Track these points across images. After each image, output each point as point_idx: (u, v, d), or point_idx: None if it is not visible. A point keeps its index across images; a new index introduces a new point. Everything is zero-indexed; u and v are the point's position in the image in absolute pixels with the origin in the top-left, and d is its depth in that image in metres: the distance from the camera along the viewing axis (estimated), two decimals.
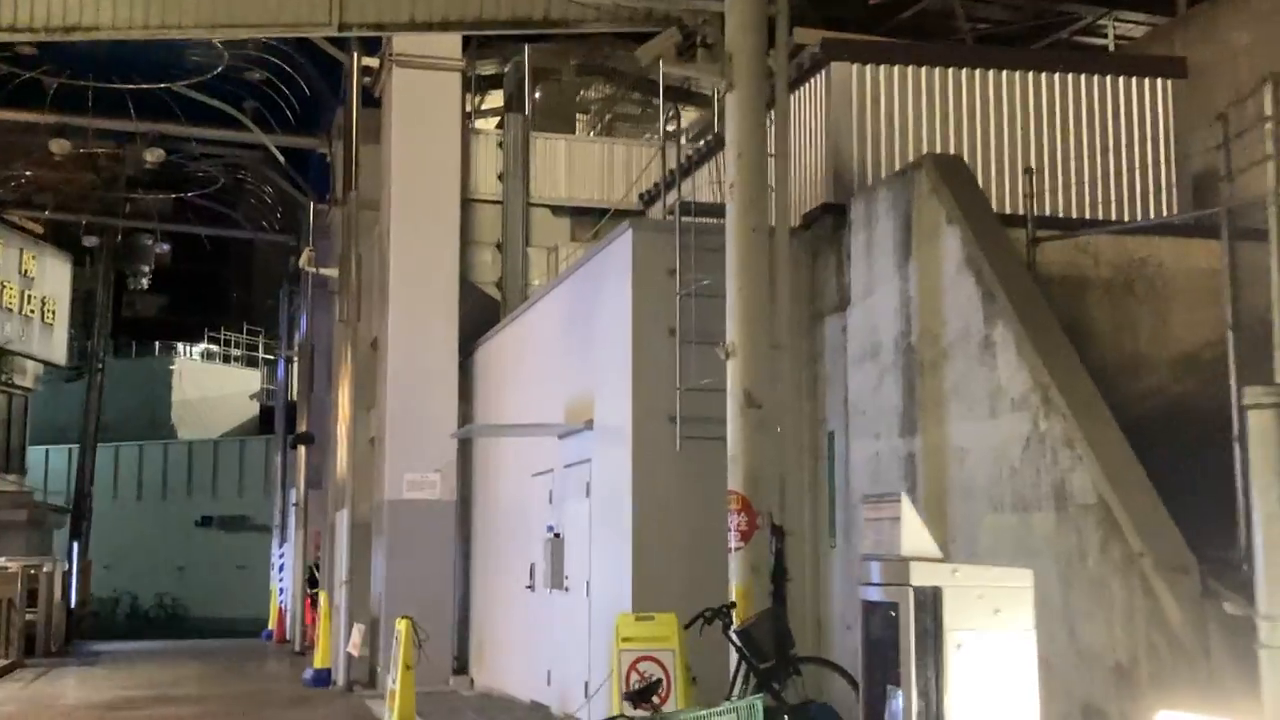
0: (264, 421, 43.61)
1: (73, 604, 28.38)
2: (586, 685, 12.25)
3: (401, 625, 11.37)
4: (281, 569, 31.05)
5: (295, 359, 31.04)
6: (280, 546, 31.98)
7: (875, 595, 5.07)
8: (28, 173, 27.67)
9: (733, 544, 9.56)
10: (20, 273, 31.90)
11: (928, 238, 9.70)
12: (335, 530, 18.99)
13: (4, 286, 31.07)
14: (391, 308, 17.78)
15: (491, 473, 17.03)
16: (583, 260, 13.13)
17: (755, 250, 9.83)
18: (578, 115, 23.79)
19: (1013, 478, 8.52)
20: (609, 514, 11.92)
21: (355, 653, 16.42)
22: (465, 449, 17.74)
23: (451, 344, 17.71)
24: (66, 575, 27.95)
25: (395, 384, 17.59)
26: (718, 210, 11.85)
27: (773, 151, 10.18)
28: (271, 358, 44.72)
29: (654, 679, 8.96)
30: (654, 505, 11.26)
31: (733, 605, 8.90)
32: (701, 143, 14.97)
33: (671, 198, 11.79)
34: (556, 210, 19.52)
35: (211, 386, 45.11)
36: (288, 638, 27.96)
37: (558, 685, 13.38)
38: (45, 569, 24.90)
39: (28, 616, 23.12)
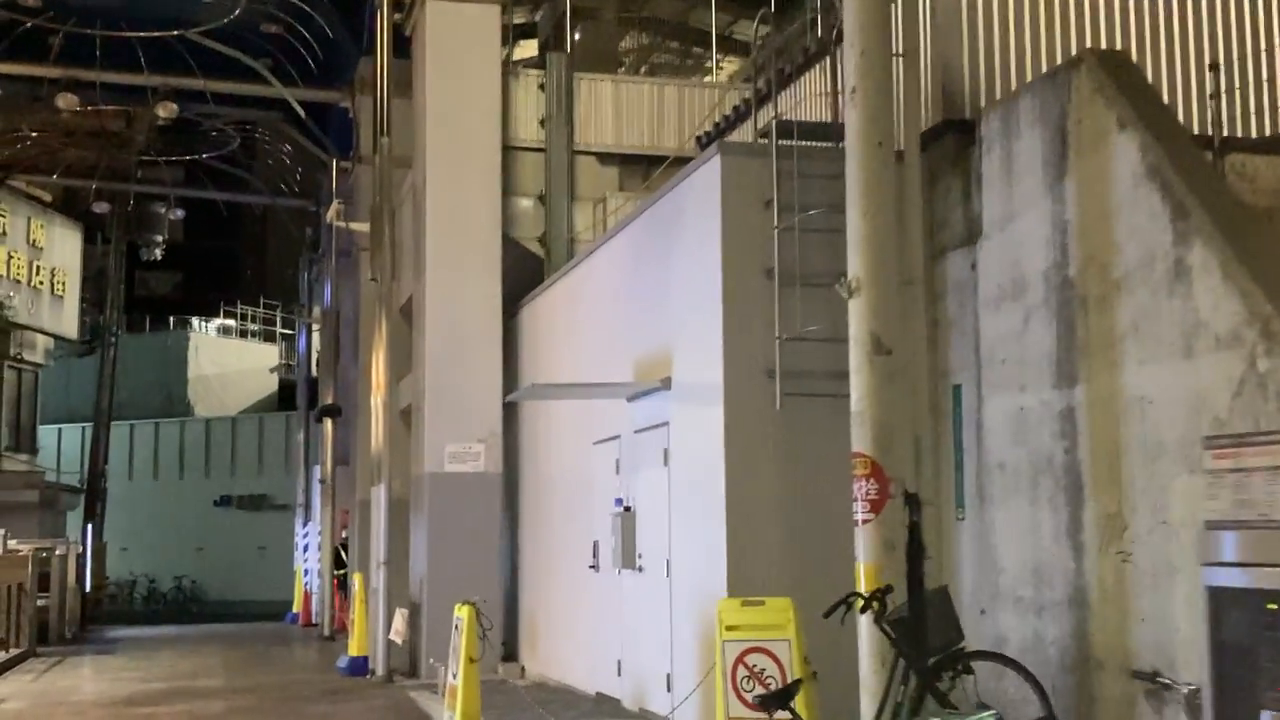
0: (283, 398, 42.29)
1: (87, 588, 27.05)
2: (669, 678, 10.79)
3: (463, 612, 9.87)
4: (306, 549, 29.68)
5: (318, 327, 29.58)
6: (304, 526, 30.62)
7: (1237, 580, 3.56)
8: (33, 134, 26.12)
9: (860, 516, 8.03)
10: (28, 242, 30.48)
11: (1091, 148, 8.15)
12: (370, 507, 17.51)
13: (11, 257, 29.67)
14: (428, 265, 16.28)
15: (543, 442, 15.52)
16: (655, 197, 11.58)
17: (882, 167, 8.26)
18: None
19: (1219, 431, 6.98)
20: (694, 483, 10.42)
21: (399, 640, 14.98)
22: (511, 417, 16.25)
23: (494, 302, 16.23)
24: (81, 558, 26.63)
25: (433, 347, 16.11)
26: (819, 131, 10.35)
27: (899, 50, 8.63)
28: (290, 331, 43.36)
29: (792, 679, 7.46)
30: (751, 472, 9.76)
31: (888, 589, 7.37)
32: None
33: (764, 116, 10.22)
34: (603, 158, 17.97)
35: (229, 362, 43.73)
36: (314, 621, 26.61)
37: (631, 677, 11.91)
38: (58, 552, 23.58)
39: (40, 602, 21.74)
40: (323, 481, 25.05)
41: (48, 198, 31.07)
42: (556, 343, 14.96)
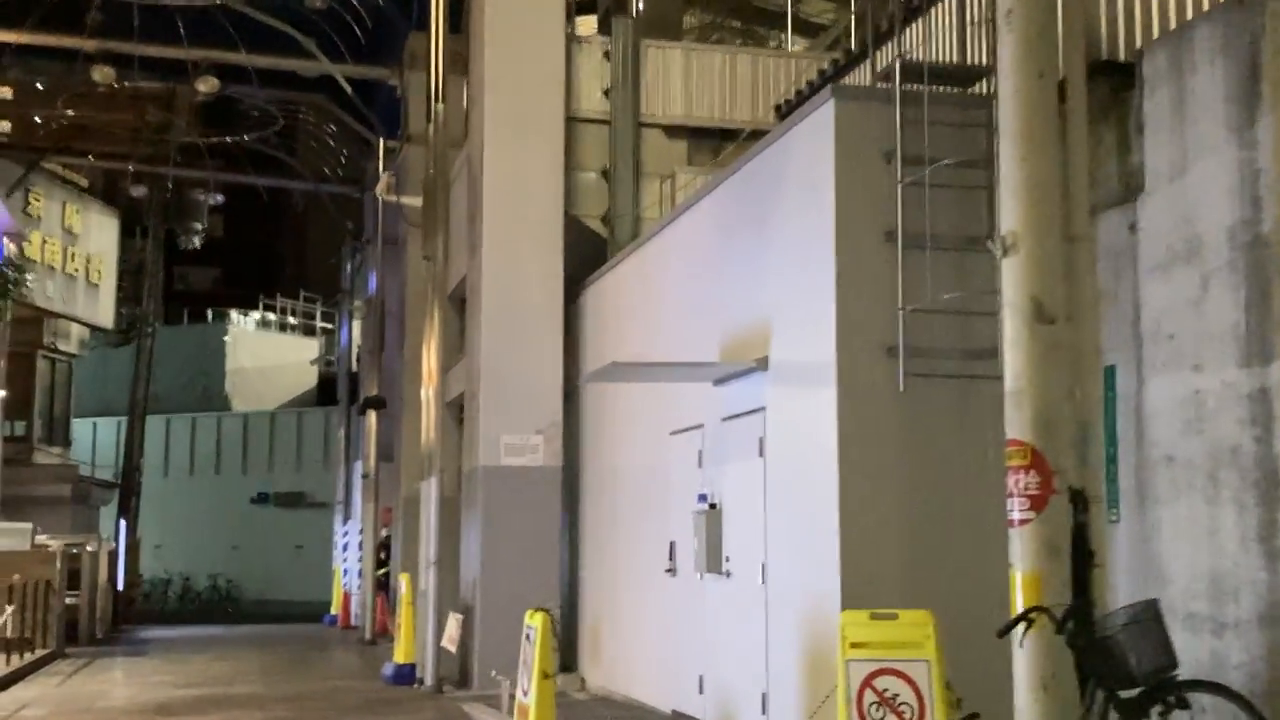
0: (323, 392, 41.33)
1: (120, 586, 26.06)
2: (764, 698, 9.54)
3: (537, 620, 8.65)
4: (346, 548, 28.62)
5: (361, 317, 28.51)
6: (344, 524, 29.55)
7: None
8: (69, 112, 25.12)
9: (1017, 514, 6.79)
10: (63, 228, 29.52)
11: None
12: (420, 504, 16.33)
13: (45, 242, 28.70)
14: (485, 243, 15.13)
15: (609, 433, 14.30)
16: (748, 154, 10.34)
17: (1043, 103, 7.02)
18: None
19: None
20: (797, 477, 9.17)
21: (452, 647, 13.81)
22: (573, 406, 15.06)
23: (555, 283, 15.06)
24: (114, 555, 25.65)
25: (489, 331, 14.95)
26: (947, 74, 9.10)
27: None
28: (330, 325, 42.39)
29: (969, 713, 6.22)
30: (868, 464, 8.51)
31: (1084, 604, 6.10)
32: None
33: (885, 57, 8.97)
34: (671, 131, 16.75)
35: (267, 355, 42.77)
36: (354, 623, 25.54)
37: (715, 695, 10.65)
38: (89, 548, 22.56)
39: (69, 600, 20.71)
40: (365, 476, 23.96)
41: (84, 183, 30.12)
42: (628, 324, 13.74)
